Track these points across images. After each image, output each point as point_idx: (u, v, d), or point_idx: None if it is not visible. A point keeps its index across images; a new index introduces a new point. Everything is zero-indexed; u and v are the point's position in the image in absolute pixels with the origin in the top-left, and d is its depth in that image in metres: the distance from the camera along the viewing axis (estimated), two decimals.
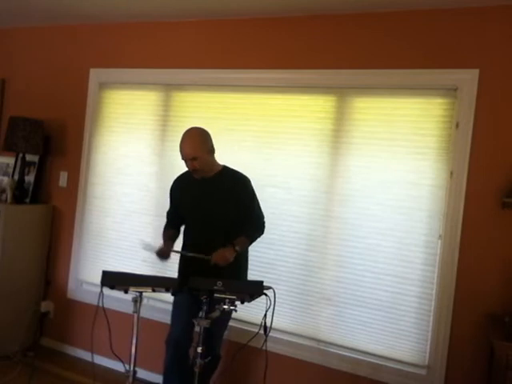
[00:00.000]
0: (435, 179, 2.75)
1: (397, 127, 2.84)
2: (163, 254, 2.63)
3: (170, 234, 2.76)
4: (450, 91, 2.73)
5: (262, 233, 2.75)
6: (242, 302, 2.24)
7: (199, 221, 2.65)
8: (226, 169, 2.70)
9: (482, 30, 2.66)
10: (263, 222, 2.76)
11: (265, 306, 2.21)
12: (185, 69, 3.39)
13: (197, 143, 2.54)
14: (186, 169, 2.75)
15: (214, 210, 2.61)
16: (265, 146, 3.15)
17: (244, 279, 2.73)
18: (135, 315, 2.14)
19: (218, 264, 2.47)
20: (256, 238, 2.72)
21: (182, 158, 2.56)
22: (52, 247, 3.86)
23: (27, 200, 3.76)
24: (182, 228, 2.80)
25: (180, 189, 2.76)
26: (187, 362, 2.55)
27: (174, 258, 2.72)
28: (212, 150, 2.62)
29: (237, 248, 2.53)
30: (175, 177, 2.83)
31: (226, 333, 2.82)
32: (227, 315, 2.63)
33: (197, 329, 2.20)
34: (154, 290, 2.21)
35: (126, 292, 2.16)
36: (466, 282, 2.67)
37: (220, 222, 2.61)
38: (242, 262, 2.69)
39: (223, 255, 2.48)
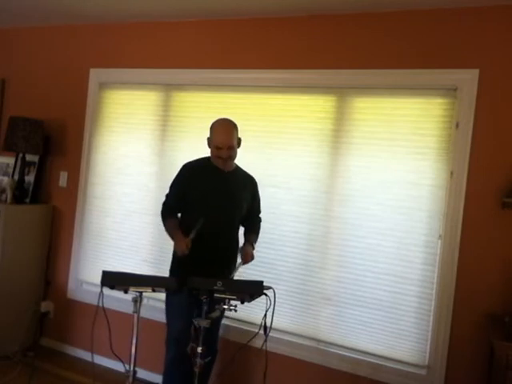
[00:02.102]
0: (435, 179, 2.76)
1: (397, 127, 2.84)
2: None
3: (177, 223, 2.68)
4: (450, 91, 2.73)
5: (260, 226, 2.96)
6: (242, 302, 2.24)
7: (219, 211, 2.62)
8: (238, 167, 2.80)
9: (482, 30, 2.66)
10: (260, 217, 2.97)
11: (265, 306, 2.21)
12: (185, 69, 3.40)
13: (234, 133, 2.62)
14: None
15: (237, 205, 2.69)
16: (265, 146, 3.15)
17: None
18: (135, 315, 2.13)
19: (247, 263, 2.69)
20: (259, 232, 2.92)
21: (217, 146, 2.58)
22: (52, 247, 3.86)
23: (27, 200, 3.76)
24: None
25: (199, 177, 2.66)
26: (187, 362, 2.55)
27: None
28: (239, 143, 2.69)
29: (254, 245, 2.74)
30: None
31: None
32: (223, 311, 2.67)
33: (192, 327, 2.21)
34: (154, 290, 2.20)
35: (125, 292, 2.16)
36: (465, 281, 2.67)
37: (238, 213, 2.72)
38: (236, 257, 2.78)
39: (251, 254, 2.68)
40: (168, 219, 2.72)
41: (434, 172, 2.76)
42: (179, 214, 2.74)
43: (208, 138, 2.64)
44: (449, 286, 2.69)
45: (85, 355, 3.61)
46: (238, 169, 2.77)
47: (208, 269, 2.52)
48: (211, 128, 2.64)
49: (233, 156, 2.63)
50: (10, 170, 3.89)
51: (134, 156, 3.57)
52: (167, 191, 2.77)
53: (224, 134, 2.58)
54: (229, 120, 2.66)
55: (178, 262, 2.68)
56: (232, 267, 2.74)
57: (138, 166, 3.55)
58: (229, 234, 2.69)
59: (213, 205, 2.62)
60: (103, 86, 3.71)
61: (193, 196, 2.64)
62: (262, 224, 2.93)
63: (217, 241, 2.59)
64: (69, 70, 3.83)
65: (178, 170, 2.72)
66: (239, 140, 2.67)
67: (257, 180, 2.86)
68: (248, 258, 2.66)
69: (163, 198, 2.78)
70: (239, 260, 2.69)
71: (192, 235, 2.45)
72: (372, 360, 2.87)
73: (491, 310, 2.60)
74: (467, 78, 2.67)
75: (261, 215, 2.94)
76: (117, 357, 2.17)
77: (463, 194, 2.68)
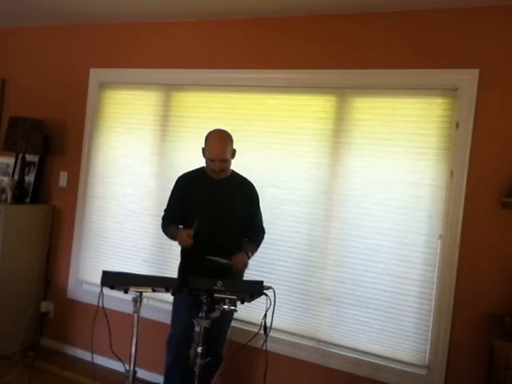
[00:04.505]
0: (435, 179, 2.75)
1: (397, 127, 2.84)
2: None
3: (177, 227, 2.68)
4: (450, 91, 2.73)
5: (263, 239, 2.85)
6: (242, 302, 2.24)
7: (214, 220, 2.61)
8: (235, 172, 2.76)
9: (482, 30, 2.66)
10: (264, 228, 2.86)
11: (265, 305, 2.21)
12: (185, 69, 3.40)
13: (228, 145, 2.60)
14: (184, 168, 2.78)
15: (231, 210, 2.65)
16: (265, 146, 3.15)
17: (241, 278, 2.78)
18: (135, 315, 2.14)
19: (239, 270, 2.59)
20: (260, 244, 2.81)
21: (210, 158, 2.58)
22: (52, 247, 3.86)
23: (27, 200, 3.76)
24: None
25: (194, 186, 2.69)
26: (189, 363, 2.56)
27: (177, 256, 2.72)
28: (234, 154, 2.68)
29: (249, 255, 2.63)
30: (176, 176, 2.79)
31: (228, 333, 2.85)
32: (230, 315, 2.65)
33: (197, 329, 2.21)
34: (154, 290, 2.20)
35: (125, 292, 2.16)
36: (465, 282, 2.67)
37: (234, 222, 2.67)
38: None
39: (243, 260, 2.57)
40: (167, 228, 2.74)
41: (433, 172, 2.76)
42: (181, 227, 2.72)
43: (203, 148, 2.65)
44: (449, 286, 2.69)
45: (85, 355, 3.61)
46: (233, 174, 2.74)
47: (208, 274, 2.50)
48: (206, 139, 2.64)
49: (225, 168, 2.62)
50: (10, 170, 3.89)
51: (134, 156, 3.57)
52: (165, 206, 2.78)
53: (217, 148, 2.57)
54: (223, 132, 2.64)
55: (182, 265, 2.71)
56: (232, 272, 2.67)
57: (138, 166, 3.55)
58: (226, 236, 2.63)
59: (207, 208, 2.62)
60: (103, 86, 3.70)
61: (189, 203, 2.67)
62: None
63: (214, 247, 2.56)
64: (69, 70, 3.83)
65: (174, 182, 2.75)
66: (234, 151, 2.66)
67: (257, 180, 2.84)
68: (238, 262, 2.55)
69: (163, 198, 2.78)
70: (230, 261, 2.54)
71: (193, 228, 2.47)
72: (372, 360, 2.87)
73: (491, 310, 2.60)
74: (467, 78, 2.67)
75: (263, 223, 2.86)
76: (117, 357, 2.17)
77: (463, 194, 2.67)
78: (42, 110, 3.87)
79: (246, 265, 2.60)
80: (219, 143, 2.58)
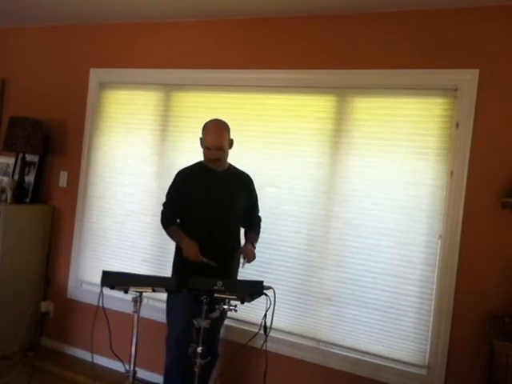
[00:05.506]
0: (435, 179, 2.76)
1: (397, 127, 2.84)
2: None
3: (179, 229, 2.69)
4: (450, 91, 2.73)
5: (260, 226, 2.91)
6: (242, 302, 2.25)
7: (214, 218, 2.63)
8: (232, 166, 2.79)
9: (482, 30, 2.66)
10: (260, 216, 2.93)
11: (265, 305, 2.21)
12: (185, 69, 3.40)
13: (224, 134, 2.63)
14: (183, 165, 2.79)
15: (230, 207, 2.68)
16: (265, 146, 3.15)
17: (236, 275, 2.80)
18: (135, 315, 2.14)
19: (249, 261, 2.64)
20: (260, 231, 2.88)
21: (206, 146, 2.60)
22: (52, 247, 3.86)
23: (27, 200, 3.76)
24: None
25: (192, 181, 2.70)
26: (188, 363, 2.55)
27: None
28: (231, 144, 2.70)
29: (255, 245, 2.70)
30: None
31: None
32: (225, 314, 2.66)
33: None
34: (154, 290, 2.21)
35: (126, 292, 2.16)
36: (465, 282, 2.67)
37: (233, 212, 2.70)
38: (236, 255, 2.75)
39: (253, 252, 2.65)
40: (169, 227, 2.72)
41: (433, 172, 2.76)
42: (178, 220, 2.74)
43: (200, 139, 2.67)
44: (449, 285, 2.69)
45: (85, 355, 3.61)
46: (231, 168, 2.77)
47: (208, 269, 2.52)
48: (203, 128, 2.67)
49: (222, 157, 2.64)
50: (10, 170, 3.89)
51: (134, 156, 3.57)
52: (164, 200, 2.79)
53: (214, 135, 2.60)
54: (220, 121, 2.67)
55: (179, 263, 2.69)
56: (234, 266, 2.73)
57: (138, 165, 3.55)
58: (225, 232, 2.68)
59: (206, 205, 2.63)
60: (103, 86, 3.70)
61: (187, 200, 2.67)
62: (262, 224, 2.93)
63: (214, 240, 2.59)
64: (69, 70, 3.83)
65: (173, 177, 2.76)
66: (231, 141, 2.68)
67: (257, 180, 2.87)
68: (250, 255, 2.63)
69: (163, 198, 2.78)
70: (242, 260, 2.64)
71: (204, 259, 2.52)
72: (372, 360, 2.87)
73: (491, 310, 2.60)
74: (467, 78, 2.67)
75: (261, 215, 2.93)
76: (117, 357, 2.17)
77: (463, 194, 2.67)
78: (42, 110, 3.87)
79: (254, 256, 2.65)
80: (215, 131, 2.61)
